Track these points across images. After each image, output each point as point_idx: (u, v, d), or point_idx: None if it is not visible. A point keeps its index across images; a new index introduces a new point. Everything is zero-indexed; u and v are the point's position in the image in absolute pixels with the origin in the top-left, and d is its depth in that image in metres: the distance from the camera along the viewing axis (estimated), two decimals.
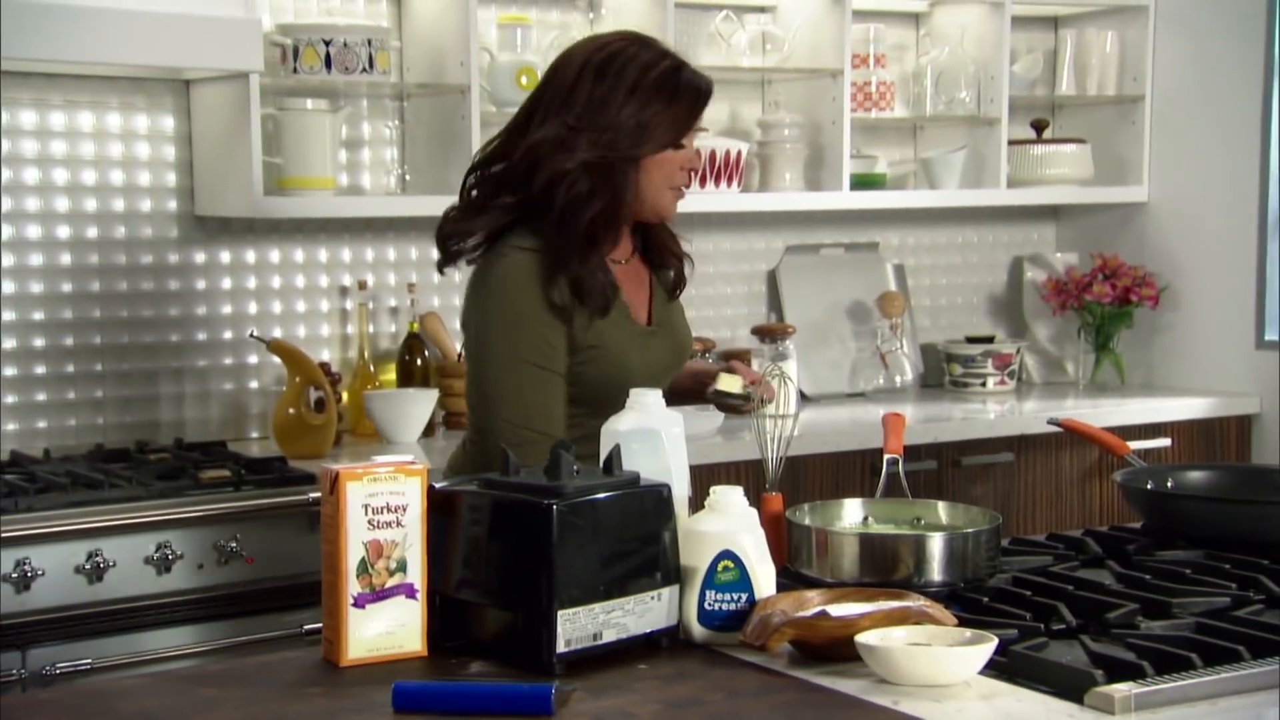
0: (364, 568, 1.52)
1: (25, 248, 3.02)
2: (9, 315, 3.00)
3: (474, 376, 2.14)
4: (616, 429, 1.74)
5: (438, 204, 3.23)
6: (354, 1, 3.30)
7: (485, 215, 2.14)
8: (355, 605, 1.52)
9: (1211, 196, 3.90)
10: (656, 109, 2.08)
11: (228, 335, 3.23)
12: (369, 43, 3.09)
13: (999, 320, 4.27)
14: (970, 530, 1.79)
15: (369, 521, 1.52)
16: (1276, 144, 3.75)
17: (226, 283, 3.23)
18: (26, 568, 2.37)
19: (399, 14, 3.35)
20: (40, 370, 3.04)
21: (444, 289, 3.48)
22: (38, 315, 3.03)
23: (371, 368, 3.31)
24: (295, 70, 3.04)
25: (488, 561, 1.57)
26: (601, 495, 1.57)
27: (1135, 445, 3.64)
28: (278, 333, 3.25)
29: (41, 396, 3.04)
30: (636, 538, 1.60)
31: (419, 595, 1.56)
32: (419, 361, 3.34)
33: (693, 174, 2.18)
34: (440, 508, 1.60)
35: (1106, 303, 3.98)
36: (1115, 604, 1.67)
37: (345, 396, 3.29)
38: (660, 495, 1.63)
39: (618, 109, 2.07)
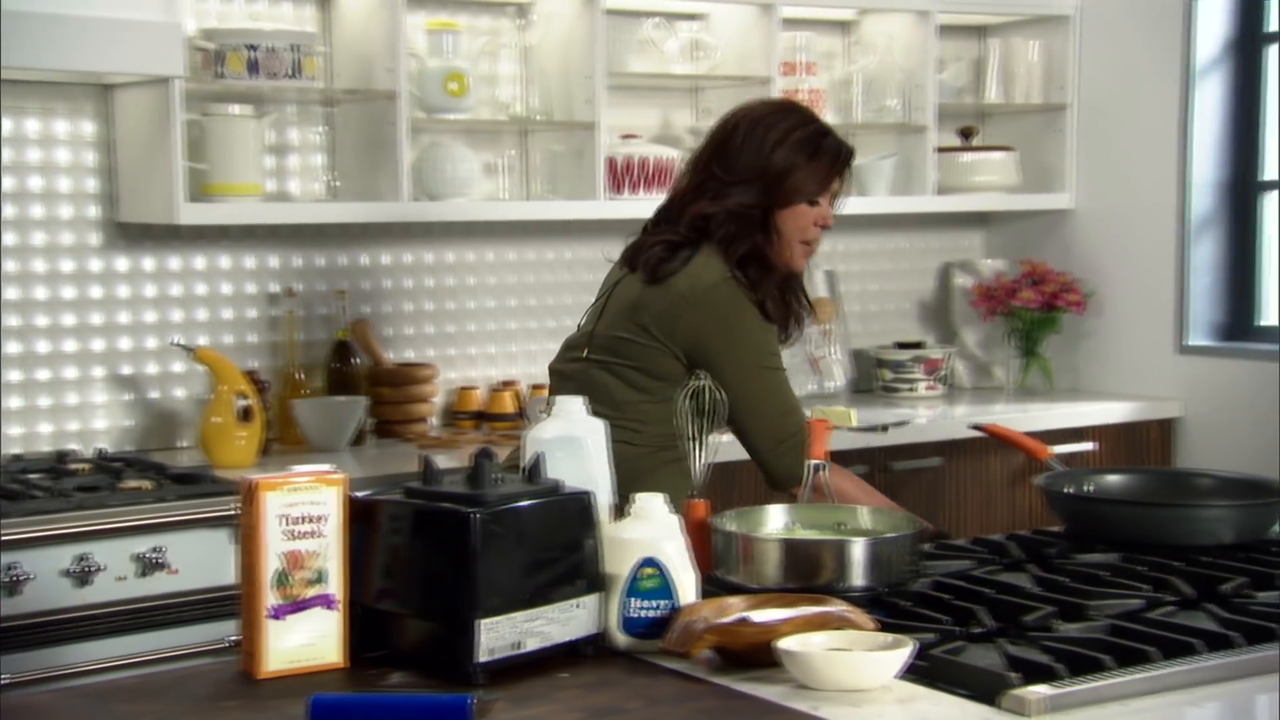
0: (282, 579, 1.51)
1: None
2: None
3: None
4: (540, 437, 1.73)
5: (366, 210, 3.27)
6: (280, 6, 3.28)
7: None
8: (273, 617, 1.50)
9: (1134, 203, 3.97)
10: (797, 164, 2.32)
11: (152, 343, 3.19)
12: (295, 48, 3.07)
13: (929, 326, 4.32)
14: (892, 535, 1.80)
15: (287, 532, 1.51)
16: (1195, 152, 3.82)
17: (151, 290, 3.19)
18: None
19: (327, 19, 3.33)
20: None
21: (374, 296, 3.46)
22: None
23: (300, 376, 3.29)
24: (220, 75, 3.01)
25: (408, 571, 1.56)
26: (523, 503, 1.57)
27: (1060, 449, 3.71)
28: (204, 341, 3.22)
29: None
30: (559, 545, 1.60)
31: (338, 606, 1.55)
32: (347, 369, 3.32)
33: (823, 231, 2.39)
34: (361, 517, 1.59)
35: (1033, 308, 4.03)
36: (1033, 607, 1.69)
37: (274, 405, 3.26)
38: (582, 503, 1.63)
39: (763, 161, 2.32)
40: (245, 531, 1.51)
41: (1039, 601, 1.72)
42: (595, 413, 2.32)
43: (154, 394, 3.20)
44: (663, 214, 2.43)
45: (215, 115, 3.06)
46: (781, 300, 2.38)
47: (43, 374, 3.07)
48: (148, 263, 3.18)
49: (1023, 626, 1.64)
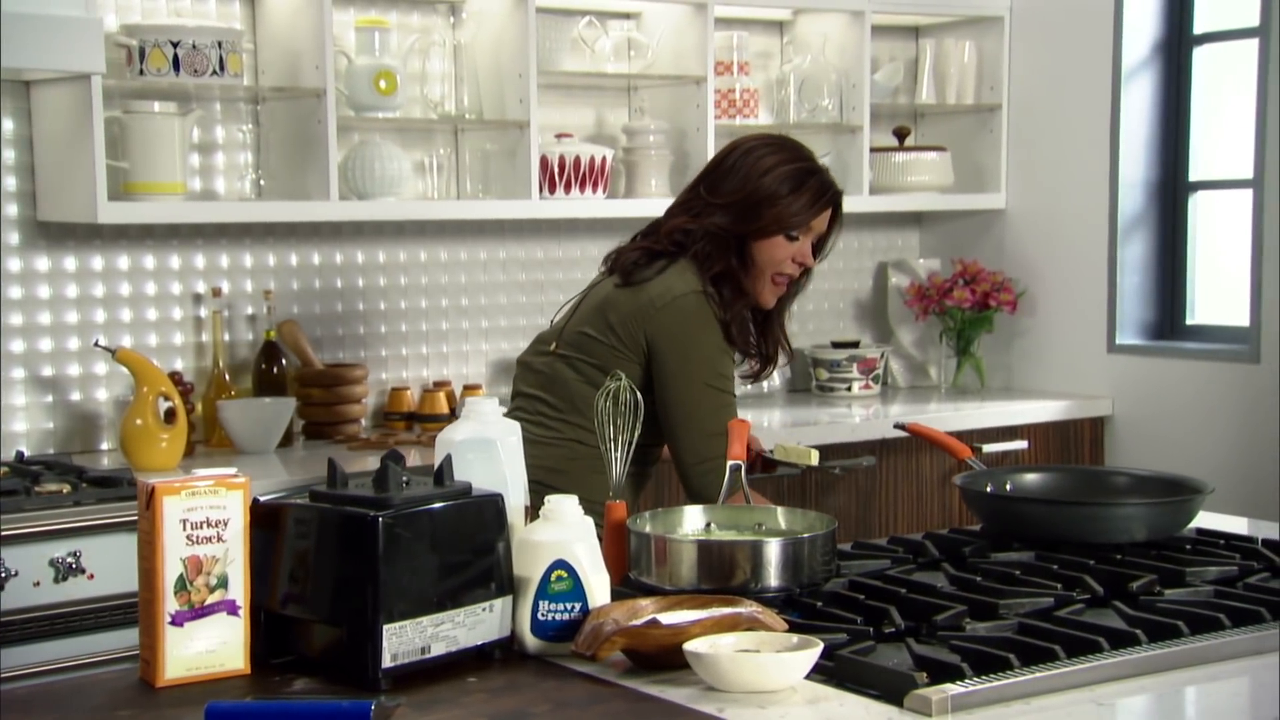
0: (182, 585, 1.49)
1: None
2: None
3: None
4: (451, 438, 1.72)
5: (293, 210, 3.24)
6: (205, 3, 3.24)
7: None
8: (173, 623, 1.48)
9: (1066, 204, 4.00)
10: (780, 194, 2.32)
11: (74, 344, 3.15)
12: (219, 44, 3.03)
13: (865, 325, 4.33)
14: (806, 535, 1.80)
15: (188, 537, 1.49)
16: (1125, 152, 3.85)
17: (72, 290, 3.15)
18: None
19: (253, 16, 3.30)
20: None
21: (303, 297, 3.43)
22: None
23: (227, 377, 3.25)
24: (141, 72, 2.97)
25: (313, 576, 1.55)
26: (430, 506, 1.55)
27: (992, 448, 3.76)
28: (128, 342, 3.18)
29: None
30: (467, 549, 1.59)
31: (241, 612, 1.53)
32: (276, 370, 3.29)
33: (804, 272, 2.40)
34: (266, 522, 1.57)
35: (966, 308, 4.06)
36: (944, 606, 1.69)
37: (199, 407, 3.23)
38: (493, 505, 1.62)
39: (748, 187, 2.32)
40: (143, 537, 1.49)
41: (951, 601, 1.72)
42: (554, 408, 2.36)
43: (75, 396, 3.15)
44: (650, 226, 2.45)
45: (137, 113, 3.02)
46: (751, 329, 2.39)
47: None
48: (69, 262, 3.14)
49: (934, 626, 1.65)
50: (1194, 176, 3.87)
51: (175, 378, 3.12)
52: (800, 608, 1.75)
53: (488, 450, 1.71)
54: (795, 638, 1.56)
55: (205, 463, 3.09)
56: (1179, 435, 3.75)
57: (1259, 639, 1.60)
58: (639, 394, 1.97)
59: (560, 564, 1.64)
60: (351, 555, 1.51)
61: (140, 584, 1.50)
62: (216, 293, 3.26)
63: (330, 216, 3.24)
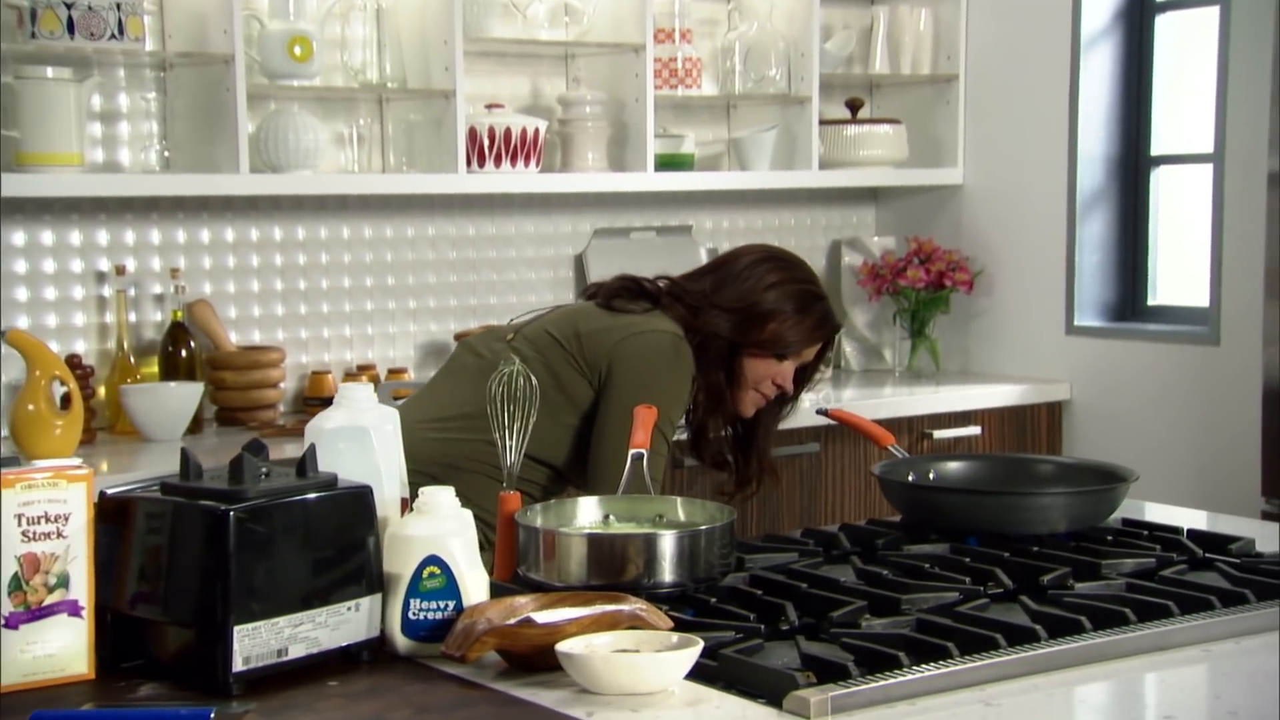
0: (17, 584, 1.45)
1: None
2: None
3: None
4: (322, 427, 1.69)
5: (201, 183, 3.18)
6: None
7: None
8: (7, 625, 1.44)
9: (1024, 180, 3.98)
10: (784, 312, 2.33)
11: None
12: (118, 6, 2.98)
13: None
14: (703, 528, 1.77)
15: (24, 533, 1.45)
16: (1084, 125, 3.83)
17: None
18: None
19: None
20: None
21: (215, 274, 3.38)
22: None
23: (132, 360, 3.20)
24: (34, 35, 2.91)
25: (163, 574, 1.50)
26: (288, 499, 1.52)
27: (944, 434, 3.74)
28: (24, 323, 3.13)
29: None
30: (330, 544, 1.55)
31: (85, 613, 1.49)
32: (184, 353, 3.24)
33: (783, 395, 2.42)
34: (113, 516, 1.53)
35: (920, 288, 4.03)
36: (844, 602, 1.67)
37: (101, 391, 3.18)
38: (359, 498, 1.58)
39: (753, 297, 2.33)
40: None
41: (852, 596, 1.70)
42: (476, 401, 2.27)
43: None
44: (632, 280, 2.43)
45: (28, 78, 2.96)
46: (725, 439, 2.42)
47: None
48: None
49: (830, 623, 1.62)
50: (1155, 151, 3.85)
51: (74, 360, 3.07)
52: (695, 604, 1.72)
53: (361, 439, 1.67)
54: (676, 637, 1.53)
55: (109, 450, 3.05)
56: (1138, 420, 3.74)
57: (1163, 634, 1.57)
58: (534, 380, 1.93)
59: (433, 559, 1.60)
60: (199, 552, 1.47)
61: None
62: (120, 270, 3.21)
63: (240, 190, 3.20)
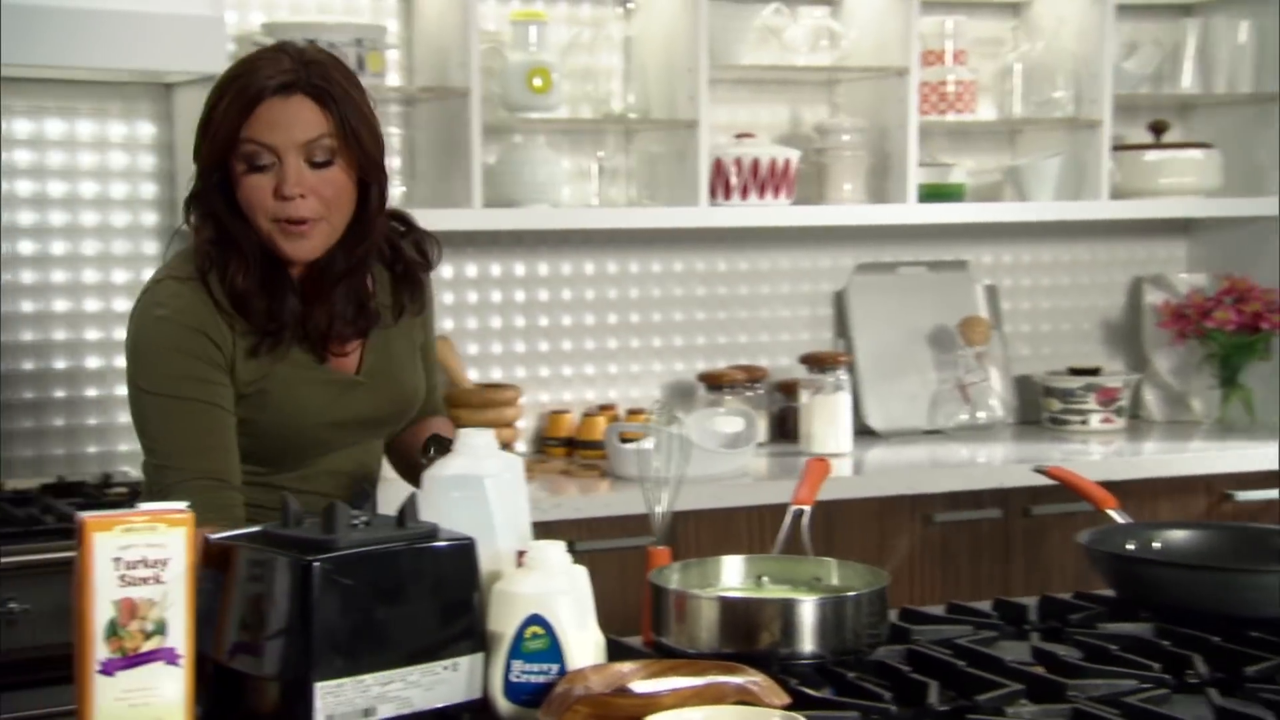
0: (113, 629, 1.50)
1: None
2: None
3: None
4: (437, 475, 1.69)
5: (436, 218, 3.25)
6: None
7: None
8: (103, 672, 1.49)
9: None
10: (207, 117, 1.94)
11: None
12: (359, 43, 3.10)
13: (1116, 350, 4.07)
14: (849, 595, 1.68)
15: (120, 577, 1.50)
16: None
17: None
18: None
19: (408, 12, 3.36)
20: None
21: (457, 310, 3.47)
22: None
23: None
24: None
25: (256, 625, 1.53)
26: (378, 549, 1.52)
27: (1247, 496, 3.45)
28: None
29: None
30: (425, 599, 1.54)
31: (182, 662, 1.53)
32: None
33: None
34: (216, 562, 1.57)
35: (1230, 330, 3.75)
36: (998, 684, 1.54)
37: None
38: (461, 551, 1.57)
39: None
40: (77, 576, 1.51)
41: (1011, 678, 1.57)
42: None
43: None
44: None
45: None
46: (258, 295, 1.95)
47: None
48: None
49: (975, 706, 1.50)
50: None
51: None
52: (833, 679, 1.63)
53: (474, 488, 1.67)
54: (779, 716, 1.45)
55: None
56: None
57: None
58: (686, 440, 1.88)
59: (535, 619, 1.57)
60: (286, 603, 1.49)
61: (74, 629, 1.51)
62: None
63: (472, 225, 3.27)
